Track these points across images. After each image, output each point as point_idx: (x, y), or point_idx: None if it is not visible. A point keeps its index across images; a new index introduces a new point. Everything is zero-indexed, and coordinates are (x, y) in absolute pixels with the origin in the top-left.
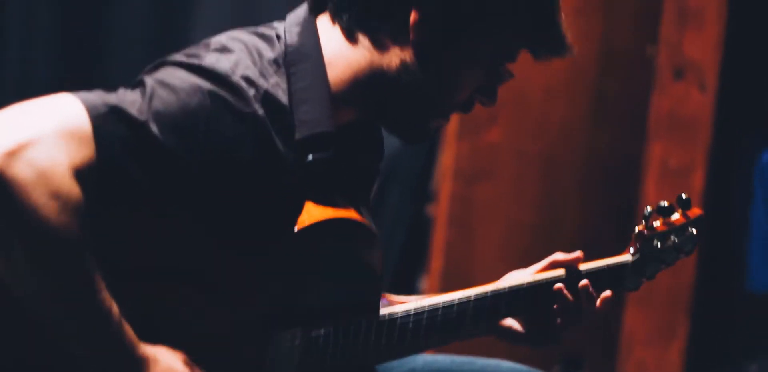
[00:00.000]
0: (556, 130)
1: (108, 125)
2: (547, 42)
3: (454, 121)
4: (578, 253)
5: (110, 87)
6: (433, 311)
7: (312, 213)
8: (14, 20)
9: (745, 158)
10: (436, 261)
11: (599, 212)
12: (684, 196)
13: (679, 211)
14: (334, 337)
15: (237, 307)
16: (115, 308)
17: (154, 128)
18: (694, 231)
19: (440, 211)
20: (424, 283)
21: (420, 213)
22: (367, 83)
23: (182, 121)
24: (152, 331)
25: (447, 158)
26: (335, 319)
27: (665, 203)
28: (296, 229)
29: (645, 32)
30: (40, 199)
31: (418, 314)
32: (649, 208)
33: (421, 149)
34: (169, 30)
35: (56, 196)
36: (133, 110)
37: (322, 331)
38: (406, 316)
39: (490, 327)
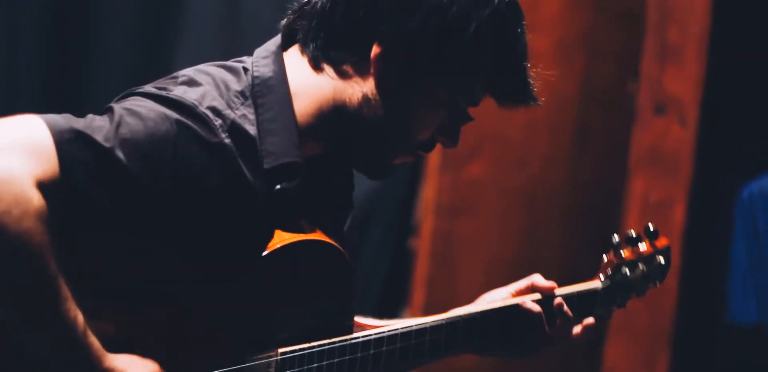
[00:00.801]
0: (538, 164)
1: (72, 150)
2: (510, 90)
3: (435, 155)
4: (553, 284)
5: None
6: (406, 335)
7: (282, 236)
8: None
9: (726, 193)
10: (418, 295)
11: (581, 246)
12: (651, 226)
13: (646, 240)
14: (308, 360)
15: (210, 331)
16: (80, 318)
17: (120, 155)
18: (662, 260)
19: (422, 245)
20: (406, 316)
21: (402, 246)
22: (330, 116)
23: (149, 148)
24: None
25: (429, 192)
26: (309, 341)
27: (633, 233)
28: (267, 250)
29: (626, 68)
30: (0, 206)
31: (392, 338)
32: (617, 237)
33: (403, 182)
34: (153, 59)
35: (17, 202)
36: (100, 136)
37: (296, 354)
38: (380, 339)
39: (465, 349)
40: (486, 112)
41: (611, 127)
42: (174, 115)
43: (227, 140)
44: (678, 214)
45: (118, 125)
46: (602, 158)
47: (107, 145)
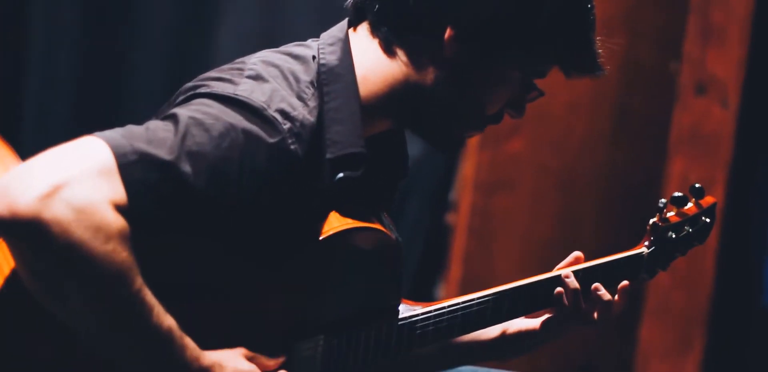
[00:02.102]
0: (577, 144)
1: (137, 173)
2: (580, 62)
3: None
4: (577, 254)
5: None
6: (452, 311)
7: (332, 223)
8: (35, 50)
9: (764, 175)
10: (455, 270)
11: (618, 228)
12: (697, 185)
13: (693, 200)
14: (355, 344)
15: (261, 319)
16: (170, 323)
17: (185, 168)
18: (708, 219)
19: (460, 221)
20: (441, 291)
21: (439, 222)
22: (402, 97)
23: (215, 162)
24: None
25: (468, 168)
26: (355, 325)
27: (679, 194)
28: (319, 238)
29: (668, 48)
30: (84, 234)
31: (438, 315)
32: (663, 200)
33: (442, 158)
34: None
35: (98, 229)
36: (163, 151)
37: (343, 338)
38: (426, 317)
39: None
40: None
41: (651, 108)
42: (241, 122)
43: (293, 146)
44: (717, 196)
45: (184, 137)
46: (642, 139)
47: (171, 158)
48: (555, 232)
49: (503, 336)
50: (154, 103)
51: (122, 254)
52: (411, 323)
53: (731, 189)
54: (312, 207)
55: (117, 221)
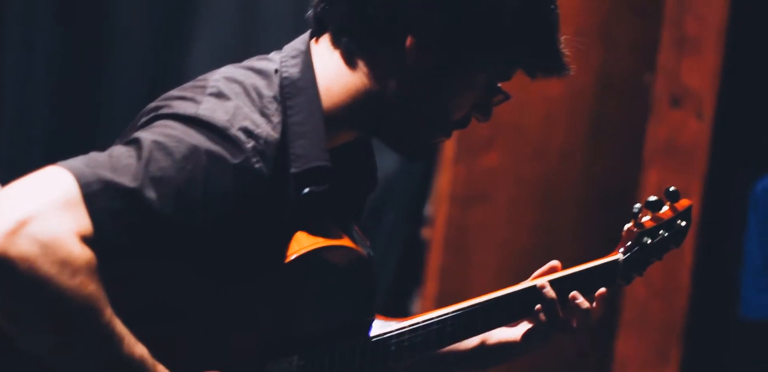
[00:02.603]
0: (554, 155)
1: (101, 202)
2: (544, 63)
3: (451, 144)
4: (553, 263)
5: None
6: (427, 326)
7: (302, 242)
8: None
9: (740, 187)
10: (431, 285)
11: (596, 237)
12: (672, 188)
13: (668, 204)
14: (330, 362)
15: (233, 341)
16: (145, 353)
17: (150, 194)
18: (683, 223)
19: (436, 235)
20: (417, 306)
21: (414, 236)
22: (365, 107)
23: (180, 187)
24: None
25: (443, 182)
26: (330, 343)
27: (654, 198)
28: (288, 259)
29: (643, 60)
30: (50, 269)
31: (413, 330)
32: (638, 205)
33: (417, 172)
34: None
35: (65, 263)
36: (127, 178)
37: (317, 357)
38: (401, 333)
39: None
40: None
41: (627, 120)
42: (204, 143)
43: (258, 165)
44: (693, 208)
45: (147, 162)
46: (618, 151)
47: (135, 185)
48: (533, 244)
49: (483, 346)
50: (130, 115)
51: (90, 287)
52: (386, 339)
53: (707, 200)
54: (280, 225)
55: (83, 254)
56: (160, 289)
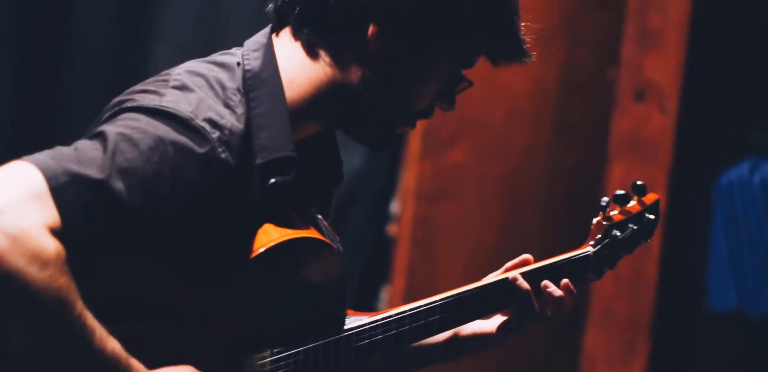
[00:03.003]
0: (519, 151)
1: (69, 195)
2: (506, 49)
3: (416, 141)
4: (525, 256)
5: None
6: (400, 320)
7: (271, 234)
8: None
9: (705, 180)
10: (399, 282)
11: (563, 233)
12: (639, 182)
13: (635, 198)
14: (303, 357)
15: (205, 336)
16: (117, 346)
17: (117, 185)
18: (652, 216)
19: (402, 232)
20: (385, 303)
21: (380, 233)
22: (328, 98)
23: (147, 178)
24: None
25: (409, 178)
26: (303, 338)
27: (621, 191)
28: (257, 252)
29: (607, 55)
30: (19, 263)
31: (386, 324)
32: (605, 199)
33: (382, 168)
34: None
35: (34, 256)
36: (94, 170)
37: (290, 352)
38: (374, 327)
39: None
40: (467, 98)
41: (592, 115)
42: (170, 134)
43: (224, 155)
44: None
45: (113, 154)
46: (583, 146)
47: (102, 176)
48: (499, 240)
49: (456, 338)
50: (92, 114)
51: (61, 279)
52: (358, 333)
53: (672, 194)
54: (247, 216)
55: (53, 246)
56: (130, 283)
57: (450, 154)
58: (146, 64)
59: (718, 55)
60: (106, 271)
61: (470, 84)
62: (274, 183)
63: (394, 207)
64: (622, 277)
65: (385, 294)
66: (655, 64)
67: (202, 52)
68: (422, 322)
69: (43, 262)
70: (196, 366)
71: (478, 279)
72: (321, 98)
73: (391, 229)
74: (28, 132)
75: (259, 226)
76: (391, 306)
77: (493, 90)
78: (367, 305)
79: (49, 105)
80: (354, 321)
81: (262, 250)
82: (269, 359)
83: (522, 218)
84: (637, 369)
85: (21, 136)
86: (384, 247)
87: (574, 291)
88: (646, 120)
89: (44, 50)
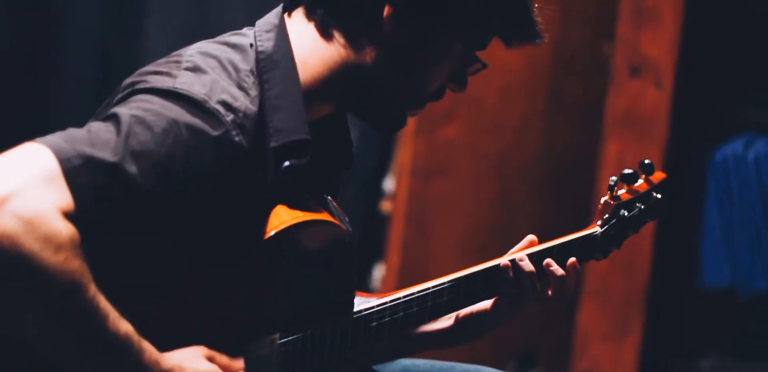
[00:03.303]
0: (512, 128)
1: (82, 177)
2: (520, 30)
3: (411, 119)
4: (531, 237)
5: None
6: (408, 302)
7: (282, 217)
8: None
9: (700, 156)
10: (393, 258)
11: (556, 210)
12: (646, 161)
13: (643, 176)
14: (312, 340)
15: (216, 319)
16: (130, 329)
17: (131, 168)
18: (659, 196)
19: (397, 208)
20: (378, 280)
21: (373, 210)
22: (342, 79)
23: (160, 160)
24: None
25: (404, 155)
26: (312, 320)
27: (629, 171)
28: (268, 234)
29: (601, 31)
30: (34, 246)
31: (395, 306)
32: (614, 178)
33: (376, 146)
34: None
35: (48, 239)
36: (107, 152)
37: (299, 335)
38: (382, 309)
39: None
40: None
41: (586, 91)
42: (183, 116)
43: (238, 138)
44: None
45: (127, 137)
46: (577, 123)
47: (116, 159)
48: (492, 217)
49: (456, 321)
50: (82, 99)
51: (74, 263)
52: (367, 316)
53: (667, 170)
54: (260, 199)
55: (67, 229)
56: (142, 266)
57: (444, 131)
58: (137, 45)
59: (713, 32)
60: (119, 253)
61: (484, 65)
62: (288, 166)
63: (388, 184)
64: (616, 253)
65: (378, 271)
66: (651, 41)
67: (193, 31)
68: (429, 303)
69: (56, 245)
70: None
71: (472, 255)
72: (334, 80)
73: (385, 205)
74: (21, 116)
75: (272, 208)
76: (386, 282)
77: (487, 67)
78: (361, 283)
79: (41, 89)
80: (363, 303)
81: (273, 232)
82: (279, 342)
83: (515, 195)
84: (630, 345)
85: (13, 120)
86: (377, 224)
87: (580, 271)
88: (642, 96)
89: (34, 35)
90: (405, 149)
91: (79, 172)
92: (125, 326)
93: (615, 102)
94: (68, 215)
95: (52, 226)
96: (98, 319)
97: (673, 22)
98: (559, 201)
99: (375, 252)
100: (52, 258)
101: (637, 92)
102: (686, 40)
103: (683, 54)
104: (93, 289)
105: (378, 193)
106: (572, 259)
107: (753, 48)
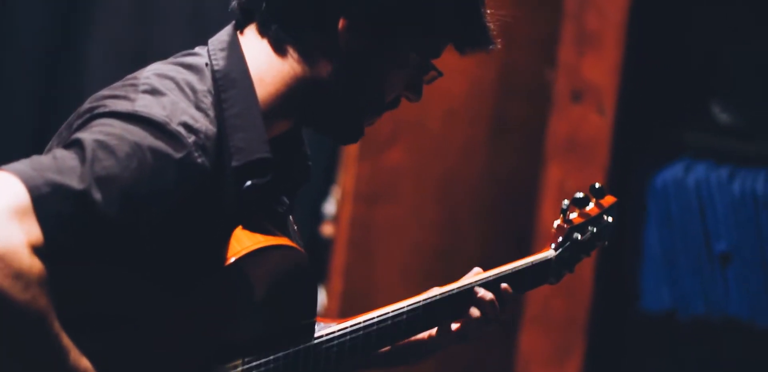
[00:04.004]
0: (456, 152)
1: (50, 206)
2: (472, 36)
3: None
4: (477, 270)
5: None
6: (368, 326)
7: (243, 242)
8: None
9: (640, 181)
10: (336, 283)
11: (499, 234)
12: (597, 185)
13: (593, 200)
14: (275, 365)
15: (179, 347)
16: (89, 366)
17: (96, 196)
18: (610, 219)
19: (340, 233)
20: (320, 304)
21: (313, 233)
22: (299, 94)
23: (125, 186)
24: None
25: (347, 180)
26: (274, 346)
27: (580, 194)
28: (229, 260)
29: (545, 56)
30: (3, 283)
31: (355, 331)
32: (566, 202)
33: (319, 169)
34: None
35: (17, 276)
36: (74, 180)
37: (262, 361)
38: (342, 334)
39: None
40: (403, 100)
41: (530, 117)
42: (146, 139)
43: (200, 159)
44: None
45: (92, 163)
46: (520, 148)
47: (82, 187)
48: (437, 240)
49: (402, 346)
50: (29, 115)
51: (41, 300)
52: (328, 341)
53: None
54: (222, 221)
55: (35, 266)
56: (105, 295)
57: (387, 155)
58: (78, 65)
59: (655, 56)
60: (81, 280)
61: (439, 74)
62: (250, 186)
63: (328, 207)
64: None
65: (320, 295)
66: (593, 66)
67: (135, 51)
68: (390, 327)
69: (26, 282)
70: None
71: (416, 280)
72: (292, 95)
73: (325, 229)
74: None
75: (232, 230)
76: (328, 307)
77: (431, 91)
78: None
79: None
80: (323, 328)
81: (233, 259)
82: (240, 369)
83: (459, 219)
84: (572, 369)
85: None
86: (317, 247)
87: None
88: (584, 121)
89: None
90: (348, 173)
91: (47, 201)
92: (84, 363)
93: (556, 127)
94: (37, 249)
95: (21, 263)
96: (61, 355)
97: (615, 47)
98: (503, 224)
99: (317, 276)
100: (20, 295)
101: (579, 117)
102: (628, 65)
103: (625, 79)
104: (57, 326)
105: (318, 217)
106: (504, 285)
107: (694, 73)
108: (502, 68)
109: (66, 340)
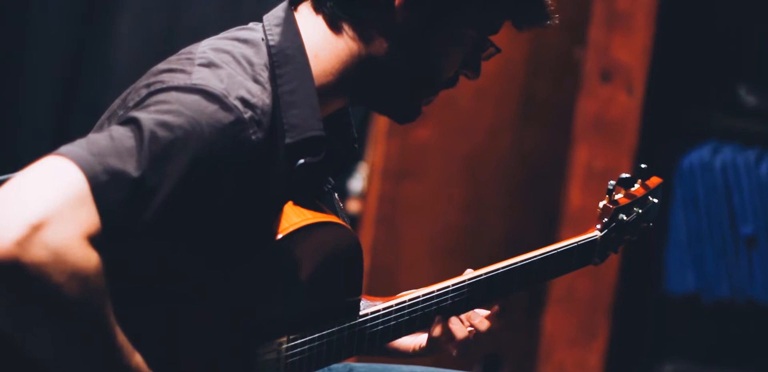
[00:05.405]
0: (484, 130)
1: (110, 194)
2: (531, 13)
3: (383, 119)
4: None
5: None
6: (413, 305)
7: (291, 219)
8: None
9: (667, 163)
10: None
11: (525, 213)
12: (643, 165)
13: (639, 181)
14: (319, 343)
15: (225, 323)
16: (141, 361)
17: (155, 178)
18: (655, 200)
19: (368, 209)
20: None
21: None
22: (355, 72)
23: (183, 164)
24: (148, 353)
25: (377, 156)
26: (319, 323)
27: (626, 175)
28: (279, 236)
29: (574, 35)
30: (61, 278)
31: (400, 309)
32: (612, 182)
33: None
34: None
35: (75, 271)
36: (132, 164)
37: (306, 338)
38: (388, 312)
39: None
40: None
41: (558, 96)
42: (202, 115)
43: (255, 136)
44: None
45: (150, 143)
46: (548, 127)
47: (140, 172)
48: (463, 218)
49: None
50: (47, 91)
51: (97, 295)
52: (373, 319)
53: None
54: (274, 197)
55: (92, 259)
56: (155, 270)
57: (416, 132)
58: (106, 44)
59: (684, 37)
60: (135, 258)
61: (498, 50)
62: (303, 163)
63: (354, 184)
64: None
65: None
66: (622, 46)
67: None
68: (434, 306)
69: (82, 278)
70: (212, 352)
71: (441, 257)
72: (347, 73)
73: (350, 205)
74: None
75: (282, 207)
76: None
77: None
78: None
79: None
80: (369, 306)
81: (281, 235)
82: (286, 346)
83: (486, 197)
84: (596, 350)
85: None
86: None
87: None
88: (612, 101)
89: None
90: (377, 150)
91: (106, 189)
92: (137, 358)
93: (585, 107)
94: (92, 238)
95: (78, 258)
96: (114, 350)
97: (645, 28)
98: (529, 203)
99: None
100: (77, 290)
101: (608, 97)
102: (658, 45)
103: (655, 59)
104: (112, 321)
105: (343, 193)
106: (495, 307)
107: (722, 55)
108: (532, 47)
109: (120, 336)
